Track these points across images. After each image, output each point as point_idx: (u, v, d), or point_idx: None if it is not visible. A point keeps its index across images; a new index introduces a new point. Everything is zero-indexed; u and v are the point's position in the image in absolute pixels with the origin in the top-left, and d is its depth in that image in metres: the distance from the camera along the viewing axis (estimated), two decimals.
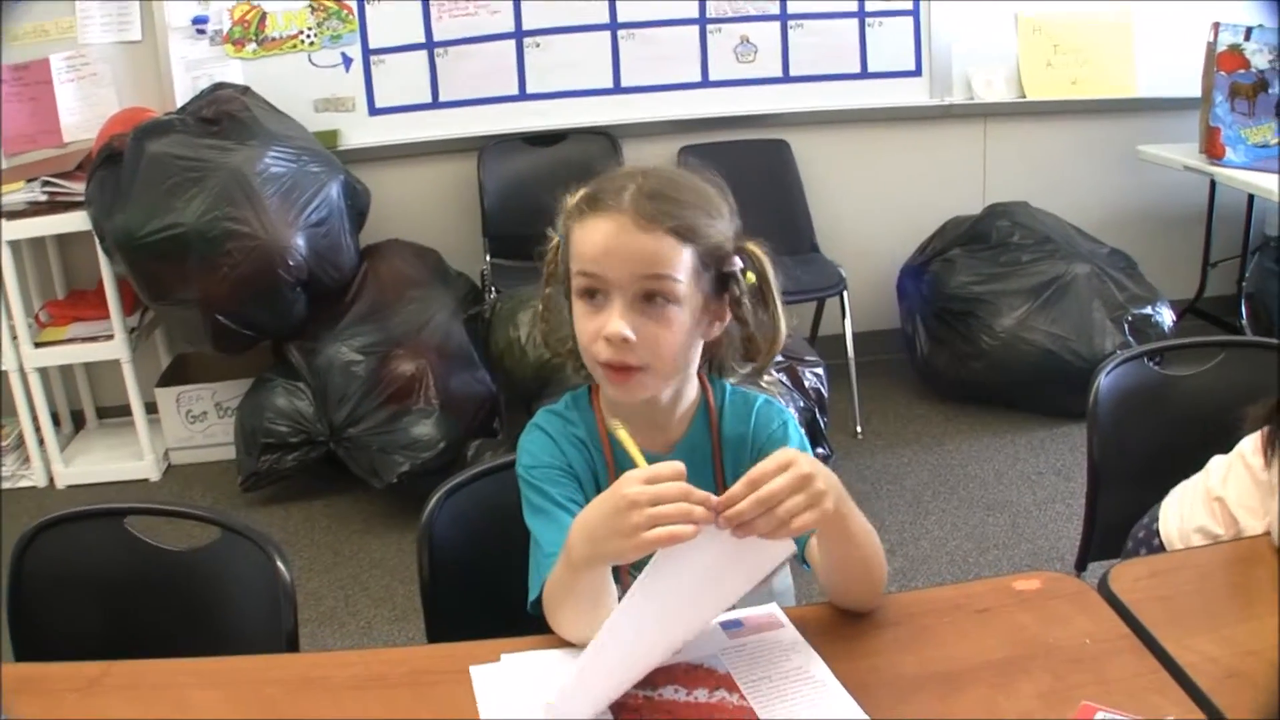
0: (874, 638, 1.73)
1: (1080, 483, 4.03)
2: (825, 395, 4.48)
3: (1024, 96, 5.59)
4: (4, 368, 4.83)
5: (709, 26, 5.35)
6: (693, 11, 5.35)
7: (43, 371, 4.91)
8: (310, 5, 5.10)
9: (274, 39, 5.11)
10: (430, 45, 5.21)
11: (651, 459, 1.56)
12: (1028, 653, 1.66)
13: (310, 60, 5.16)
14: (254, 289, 4.37)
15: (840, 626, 1.75)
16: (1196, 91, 5.19)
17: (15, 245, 4.71)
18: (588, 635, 1.54)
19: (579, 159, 5.13)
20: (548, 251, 1.87)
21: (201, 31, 5.05)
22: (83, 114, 5.05)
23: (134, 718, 1.61)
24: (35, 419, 4.94)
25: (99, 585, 2.12)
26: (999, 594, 1.81)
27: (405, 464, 4.40)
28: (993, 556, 4.10)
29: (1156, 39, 5.58)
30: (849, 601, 1.78)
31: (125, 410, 5.06)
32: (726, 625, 1.75)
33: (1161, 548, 2.29)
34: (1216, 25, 5.05)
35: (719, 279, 1.79)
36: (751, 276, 1.81)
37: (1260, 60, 5.00)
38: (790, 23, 5.40)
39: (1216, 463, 2.27)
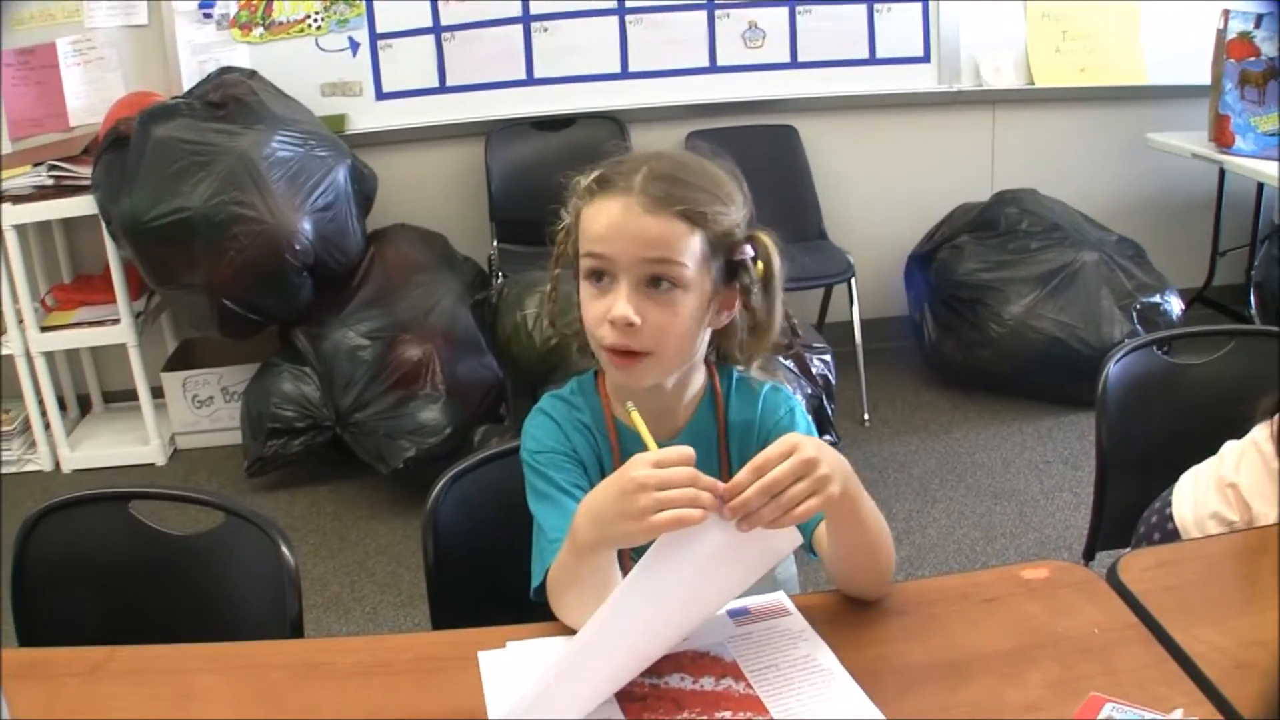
0: (881, 626, 1.72)
1: (1088, 471, 4.02)
2: (833, 382, 4.47)
3: (1032, 83, 5.57)
4: (10, 352, 4.83)
5: (717, 11, 5.34)
6: None
7: (49, 356, 4.91)
8: None
9: (281, 23, 5.10)
10: (437, 30, 5.20)
11: (657, 445, 1.55)
12: (1036, 642, 1.65)
13: (317, 44, 5.15)
14: (260, 273, 4.36)
15: (847, 614, 1.74)
16: (1206, 79, 5.16)
17: (21, 229, 4.70)
18: None
19: (586, 144, 5.12)
20: (558, 232, 1.85)
21: (208, 16, 5.04)
22: (89, 98, 5.05)
23: (137, 703, 1.61)
24: (41, 403, 4.95)
25: (103, 570, 2.11)
26: (1007, 583, 1.80)
27: (411, 449, 4.39)
28: (1000, 545, 4.09)
29: (1166, 26, 5.57)
30: (856, 589, 1.77)
31: (131, 395, 5.05)
32: (733, 613, 1.74)
33: (1175, 532, 2.28)
34: (1226, 13, 5.03)
35: (728, 267, 1.78)
36: (761, 267, 1.79)
37: (1270, 48, 4.98)
38: (798, 8, 5.38)
39: (1230, 448, 2.26)
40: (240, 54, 5.06)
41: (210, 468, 4.97)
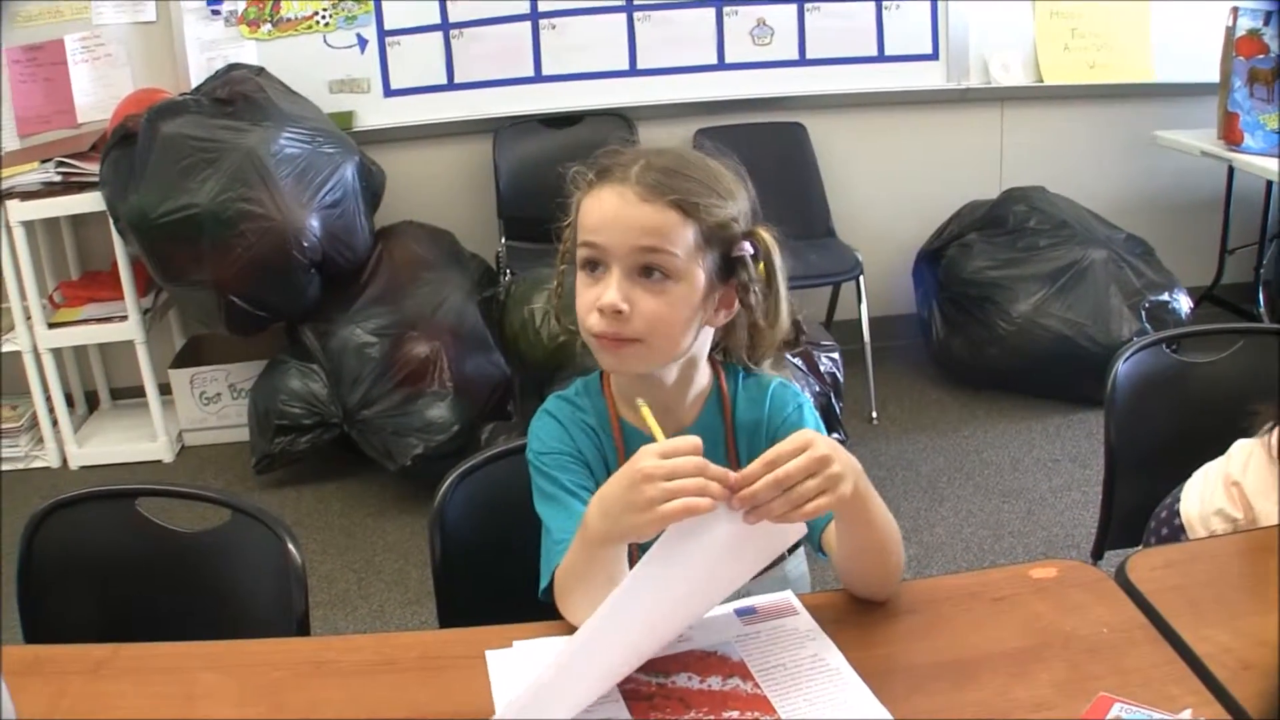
0: (889, 625, 1.72)
1: (1096, 470, 4.04)
2: (841, 380, 4.46)
3: (1041, 81, 5.56)
4: (18, 348, 4.83)
5: (725, 9, 5.33)
6: None
7: (56, 352, 4.91)
8: None
9: (289, 20, 5.10)
10: (445, 27, 5.19)
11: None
12: (1044, 642, 1.64)
13: (325, 41, 5.15)
14: (268, 270, 4.36)
15: (855, 614, 1.74)
16: (1215, 77, 5.16)
17: (29, 226, 4.70)
18: None
19: (594, 141, 5.04)
20: (563, 229, 1.85)
21: (216, 12, 5.04)
22: (97, 95, 5.05)
23: (141, 700, 1.60)
24: (49, 400, 4.95)
25: (109, 567, 2.11)
26: (1015, 582, 1.79)
27: (419, 446, 4.39)
28: (1008, 544, 4.08)
29: (1175, 23, 5.55)
30: (864, 588, 1.76)
31: (139, 391, 5.06)
32: (740, 612, 1.74)
33: (1180, 528, 2.28)
34: (1235, 10, 5.02)
35: (726, 262, 1.78)
36: (762, 265, 1.79)
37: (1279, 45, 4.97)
38: (807, 5, 5.37)
39: (1239, 446, 2.26)
40: (248, 51, 5.06)
41: (218, 465, 4.97)
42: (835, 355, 4.46)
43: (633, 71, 5.33)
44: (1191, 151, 5.26)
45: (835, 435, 4.32)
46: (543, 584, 1.76)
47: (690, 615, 1.67)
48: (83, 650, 1.72)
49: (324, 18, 5.11)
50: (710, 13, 5.33)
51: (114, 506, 2.13)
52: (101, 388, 5.45)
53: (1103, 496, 2.70)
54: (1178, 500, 2.33)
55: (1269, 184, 5.36)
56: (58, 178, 4.69)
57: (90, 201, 4.62)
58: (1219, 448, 2.30)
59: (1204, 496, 2.26)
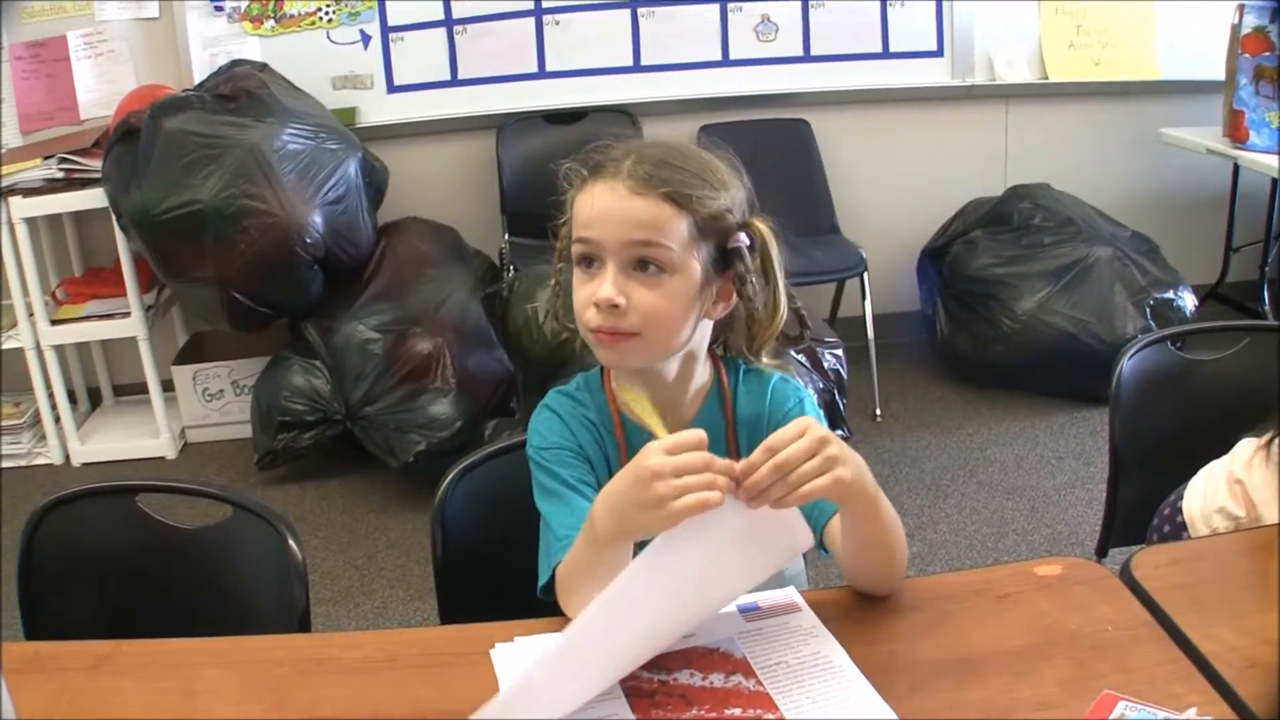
0: (893, 623, 1.71)
1: (1100, 468, 4.03)
2: (844, 377, 4.46)
3: (1046, 78, 5.56)
4: (20, 345, 4.83)
5: (729, 5, 5.33)
6: None
7: (59, 349, 4.91)
8: None
9: (292, 16, 5.09)
10: (449, 23, 5.19)
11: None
12: (1049, 639, 1.63)
13: (328, 37, 5.15)
14: (270, 267, 4.36)
15: (858, 611, 1.73)
16: (1220, 74, 5.14)
17: (32, 222, 4.70)
18: None
19: (598, 137, 5.02)
20: (560, 226, 1.85)
21: (219, 8, 5.04)
22: (100, 91, 5.05)
23: (142, 697, 1.60)
24: (51, 396, 4.95)
25: (110, 564, 2.11)
26: (1020, 579, 1.78)
27: (422, 443, 4.39)
28: (1012, 542, 4.08)
29: (1180, 21, 5.55)
30: (868, 585, 1.75)
31: (142, 388, 5.06)
32: (743, 608, 1.73)
33: (1183, 525, 2.27)
34: (1241, 7, 5.00)
35: (722, 255, 1.77)
36: (759, 257, 1.79)
37: None
38: (811, 2, 5.36)
39: (1243, 445, 2.25)
40: (251, 47, 5.06)
41: (220, 461, 4.97)
42: (839, 352, 4.46)
43: (637, 67, 5.33)
44: (1196, 149, 5.25)
45: (839, 432, 4.31)
46: (542, 580, 1.75)
47: (696, 615, 1.66)
48: (83, 647, 1.71)
49: (327, 14, 5.11)
50: (714, 9, 5.33)
51: (114, 503, 2.13)
52: (104, 384, 5.45)
53: (1107, 494, 2.70)
54: (1181, 498, 2.33)
55: (1274, 181, 5.36)
56: (60, 174, 4.69)
57: (93, 198, 4.63)
58: (1223, 445, 2.30)
59: (1207, 494, 2.26)
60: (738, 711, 1.52)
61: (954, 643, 1.65)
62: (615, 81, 5.32)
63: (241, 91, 4.53)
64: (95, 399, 5.47)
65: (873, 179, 5.56)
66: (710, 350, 1.89)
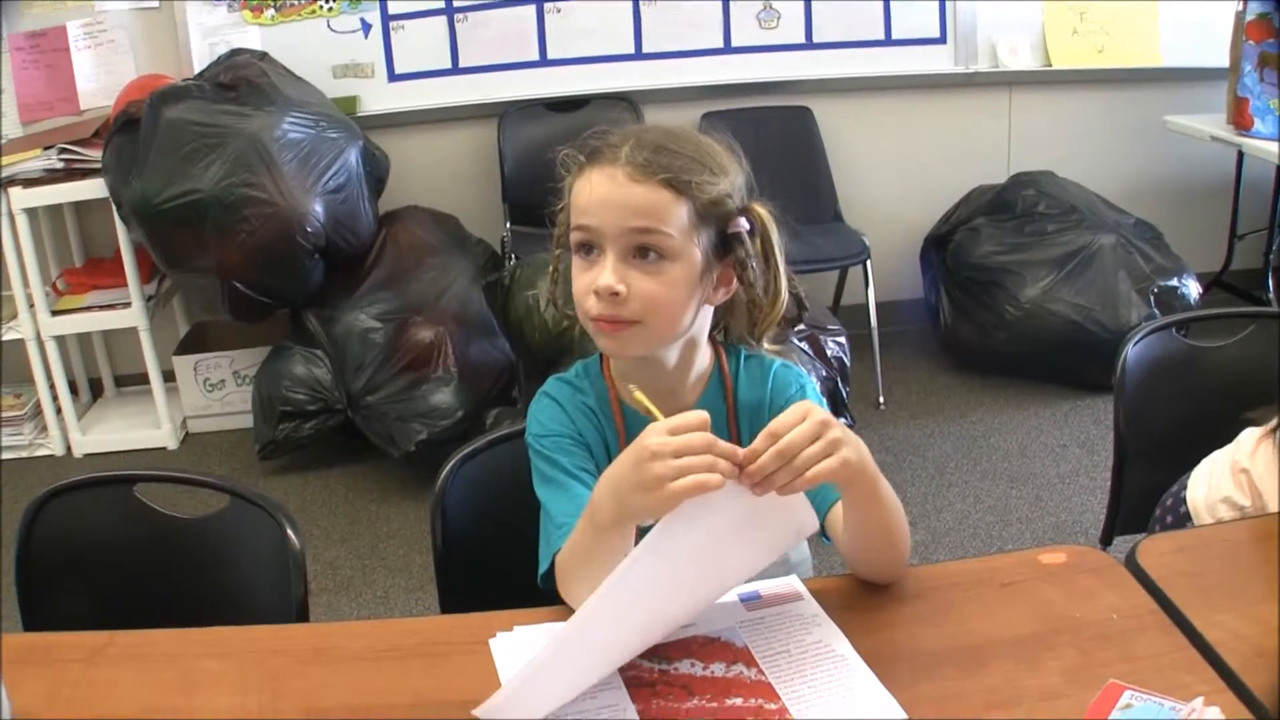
0: (896, 611, 1.70)
1: (1104, 456, 4.00)
2: (847, 365, 4.44)
3: (1049, 65, 5.54)
4: (21, 336, 4.83)
5: None
6: None
7: (60, 340, 4.90)
8: None
9: (292, 4, 5.08)
10: (450, 10, 5.17)
11: None
12: (1053, 628, 1.62)
13: (329, 26, 5.13)
14: (271, 256, 4.35)
15: (861, 599, 1.72)
16: (1224, 61, 5.12)
17: (32, 213, 4.69)
18: None
19: (600, 125, 5.07)
20: (557, 213, 1.83)
21: None
22: (100, 81, 5.04)
23: (139, 688, 1.59)
24: (53, 387, 4.94)
25: (109, 554, 2.10)
26: (1024, 567, 1.77)
27: (423, 432, 4.38)
28: (1016, 530, 4.07)
29: (1184, 8, 5.53)
30: (871, 572, 1.75)
31: (143, 379, 5.06)
32: (744, 597, 1.72)
33: (1187, 515, 2.26)
34: None
35: (722, 240, 1.76)
36: (759, 241, 1.77)
37: None
38: None
39: (1249, 434, 2.24)
40: (251, 36, 5.04)
41: (222, 451, 4.97)
42: (842, 340, 4.44)
43: (638, 55, 5.31)
44: (1201, 136, 5.23)
45: (842, 420, 4.29)
46: (542, 568, 1.74)
47: (698, 602, 1.65)
48: (80, 638, 1.70)
49: (327, 2, 5.09)
50: None
51: (112, 493, 2.12)
52: (105, 375, 5.45)
53: (1112, 481, 2.69)
54: (1184, 487, 2.32)
55: (1279, 168, 5.33)
56: (60, 165, 4.69)
57: (93, 188, 4.62)
58: (1227, 434, 2.29)
59: (1211, 483, 2.26)
60: (739, 701, 1.51)
61: (958, 631, 1.64)
62: (617, 69, 5.31)
63: (241, 80, 4.52)
64: (96, 390, 5.47)
65: (876, 167, 5.55)
66: (710, 336, 1.87)
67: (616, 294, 1.68)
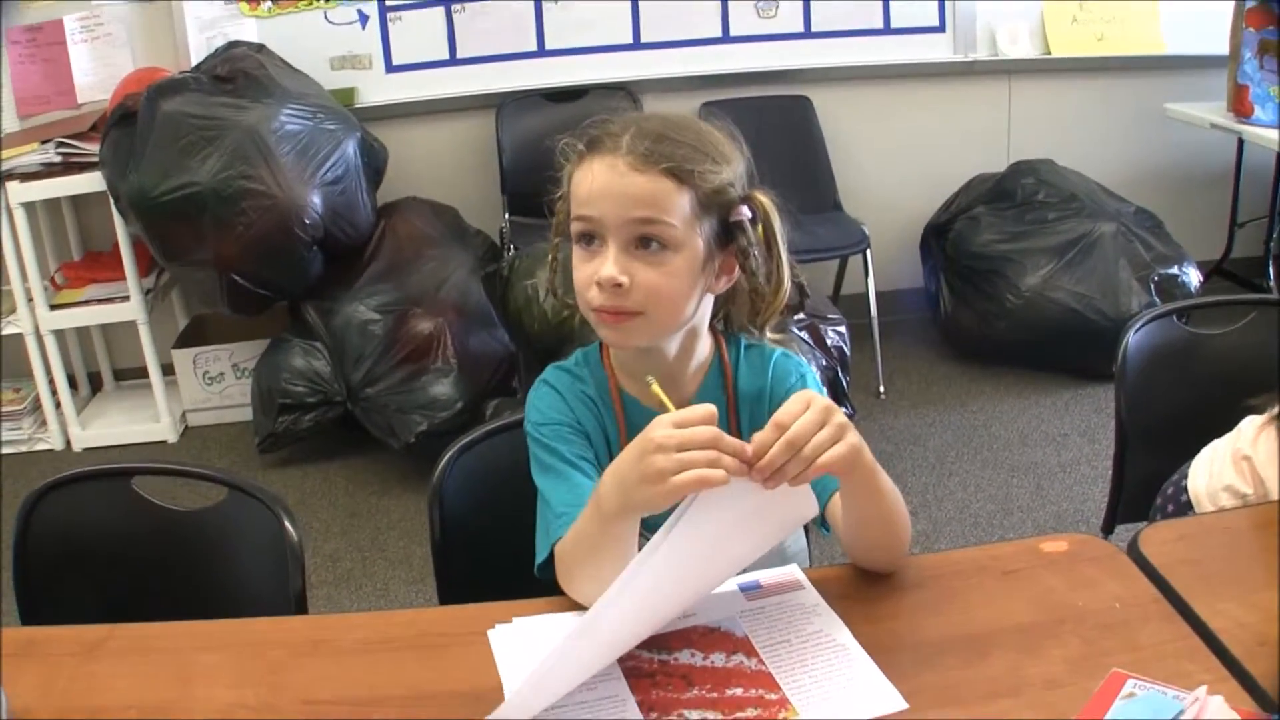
0: (897, 600, 1.69)
1: (1105, 445, 4.01)
2: (848, 354, 4.44)
3: (1049, 53, 5.53)
4: (20, 330, 4.82)
5: None
6: None
7: (59, 334, 4.89)
8: None
9: None
10: (447, 1, 5.16)
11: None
12: (1056, 617, 1.62)
13: (326, 18, 5.12)
14: (269, 248, 4.34)
15: (862, 588, 1.71)
16: (1224, 48, 5.10)
17: (30, 207, 4.68)
18: None
19: (598, 115, 5.06)
20: (556, 201, 1.82)
21: None
22: (97, 75, 5.02)
23: (136, 682, 1.58)
24: (51, 382, 4.93)
25: (106, 547, 2.10)
26: (1026, 556, 1.76)
27: (423, 424, 4.38)
28: (1017, 519, 4.06)
29: None
30: (871, 562, 1.74)
31: (142, 372, 5.05)
32: (744, 587, 1.71)
33: (1188, 504, 2.26)
34: None
35: (724, 229, 1.75)
36: (760, 229, 1.76)
37: None
38: None
39: (1250, 422, 2.23)
40: (248, 28, 5.03)
41: (222, 445, 4.96)
42: (842, 329, 4.44)
43: (636, 45, 5.30)
44: (1201, 124, 5.23)
45: (843, 409, 4.29)
46: (540, 558, 1.73)
47: (699, 590, 1.64)
48: (77, 631, 1.69)
49: None
50: None
51: (110, 486, 2.11)
52: (104, 369, 5.44)
53: (1113, 469, 2.68)
54: (1185, 476, 2.31)
55: (1279, 156, 5.31)
56: (58, 158, 4.68)
57: (91, 182, 4.61)
58: (1228, 421, 2.29)
59: (1213, 472, 2.25)
60: (739, 692, 1.50)
61: (959, 620, 1.63)
62: (615, 59, 5.30)
63: (239, 73, 4.51)
64: (96, 384, 5.46)
65: (875, 155, 5.54)
66: (711, 325, 1.87)
67: (619, 285, 1.67)
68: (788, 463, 1.46)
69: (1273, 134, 4.87)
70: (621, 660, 1.55)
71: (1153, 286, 4.88)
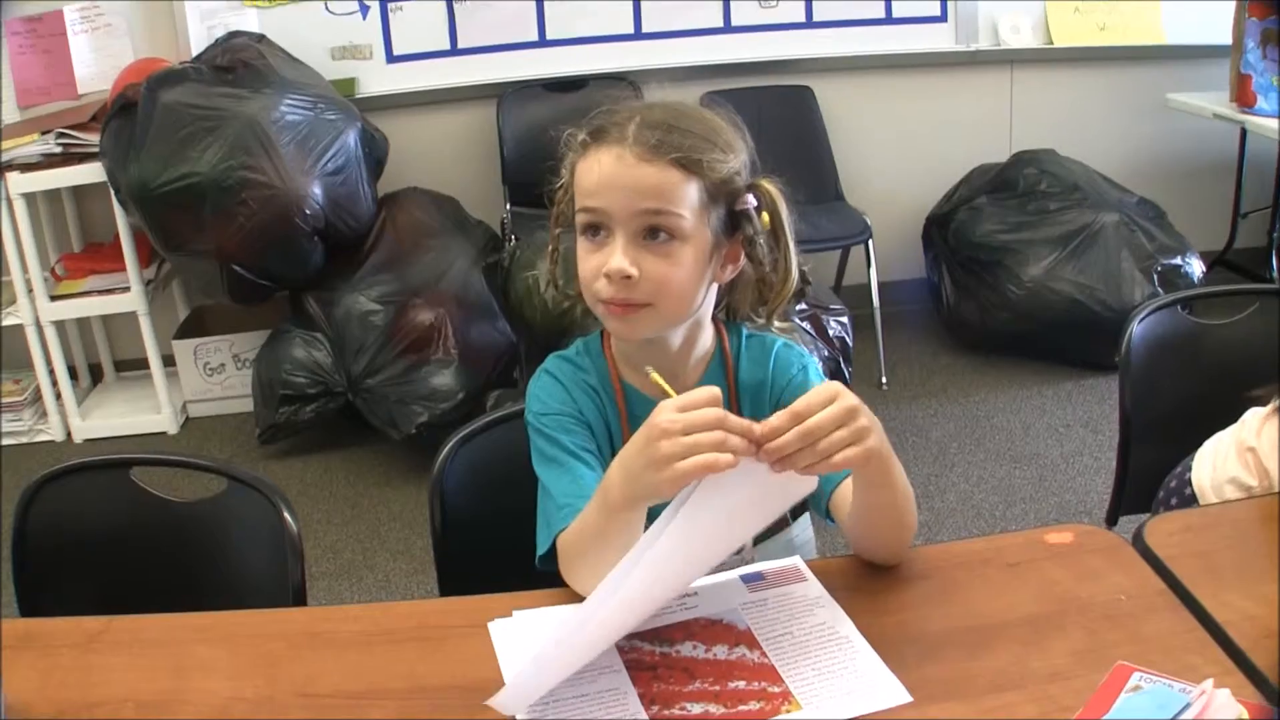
0: (901, 592, 1.68)
1: (1108, 435, 4.01)
2: (850, 345, 4.43)
3: (1051, 43, 5.52)
4: (20, 321, 4.81)
5: None
6: None
7: (59, 325, 4.89)
8: None
9: None
10: None
11: None
12: (1060, 609, 1.61)
13: (327, 8, 5.11)
14: (270, 239, 4.34)
15: (865, 580, 1.70)
16: (1227, 39, 5.10)
17: (30, 198, 4.68)
18: None
19: (600, 105, 5.05)
20: (556, 191, 1.81)
21: None
22: (97, 65, 5.01)
23: (134, 674, 1.58)
24: (52, 373, 4.93)
25: (105, 538, 2.09)
26: (1030, 547, 1.75)
27: (424, 415, 4.37)
28: (1019, 510, 4.06)
29: None
30: (875, 553, 1.72)
31: (143, 363, 5.04)
32: (747, 578, 1.70)
33: (1193, 497, 2.25)
34: None
35: (730, 217, 1.73)
36: (767, 218, 1.75)
37: None
38: None
39: (1254, 414, 2.22)
40: (249, 19, 5.02)
41: (222, 436, 4.96)
42: (844, 320, 4.43)
43: (638, 35, 5.29)
44: (1203, 114, 5.22)
45: None
46: (541, 549, 1.72)
47: (699, 571, 1.64)
48: (75, 623, 1.69)
49: None
50: None
51: (109, 477, 2.10)
52: (105, 360, 5.43)
53: (1117, 460, 2.67)
54: (1188, 469, 2.31)
55: None
56: (58, 149, 4.66)
57: (91, 172, 4.60)
58: (1232, 412, 2.28)
59: (1216, 465, 2.24)
60: (742, 684, 1.49)
61: (963, 612, 1.62)
62: (616, 49, 5.29)
63: (239, 63, 4.50)
64: (96, 375, 5.45)
65: (877, 146, 5.53)
66: (713, 315, 1.85)
67: (629, 277, 1.66)
68: (799, 452, 1.44)
69: (1275, 124, 4.86)
70: (623, 653, 1.55)
71: (1155, 277, 4.87)
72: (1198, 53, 5.48)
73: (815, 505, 1.76)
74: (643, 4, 5.26)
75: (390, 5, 5.14)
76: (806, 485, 1.56)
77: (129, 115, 4.41)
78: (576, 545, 1.64)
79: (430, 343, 4.44)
